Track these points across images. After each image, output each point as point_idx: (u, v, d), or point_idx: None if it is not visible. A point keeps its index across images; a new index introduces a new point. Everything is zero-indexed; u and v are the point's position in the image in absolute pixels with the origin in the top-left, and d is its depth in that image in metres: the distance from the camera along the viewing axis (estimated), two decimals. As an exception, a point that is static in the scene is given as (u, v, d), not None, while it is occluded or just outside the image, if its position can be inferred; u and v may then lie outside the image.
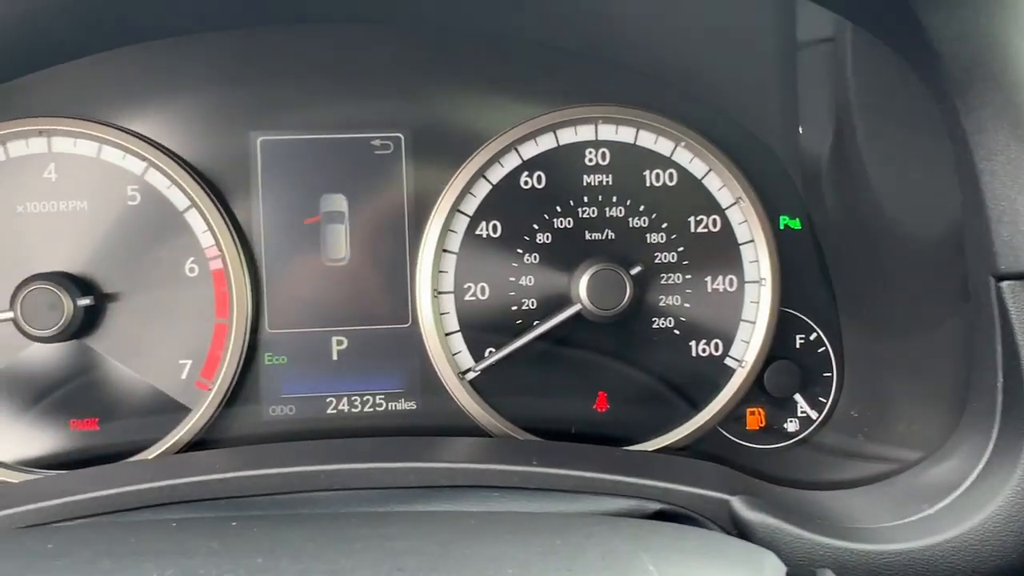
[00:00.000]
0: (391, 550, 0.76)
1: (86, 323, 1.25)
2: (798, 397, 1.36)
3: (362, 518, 0.94)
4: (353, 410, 1.33)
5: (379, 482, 1.02)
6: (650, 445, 1.32)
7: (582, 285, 1.27)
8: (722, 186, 1.33)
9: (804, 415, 1.37)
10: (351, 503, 1.02)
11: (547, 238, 1.32)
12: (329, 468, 1.02)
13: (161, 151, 1.26)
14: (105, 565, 0.72)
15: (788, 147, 1.35)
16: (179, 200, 1.28)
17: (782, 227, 1.35)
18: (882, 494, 1.05)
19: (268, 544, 0.77)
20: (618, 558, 0.76)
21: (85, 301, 1.24)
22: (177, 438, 1.27)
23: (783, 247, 1.33)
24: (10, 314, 1.22)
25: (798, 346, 1.37)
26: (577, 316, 1.28)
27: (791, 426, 1.37)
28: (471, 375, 1.31)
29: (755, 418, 1.37)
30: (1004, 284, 0.89)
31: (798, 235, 1.36)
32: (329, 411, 1.33)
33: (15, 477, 1.25)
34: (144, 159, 1.27)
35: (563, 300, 1.31)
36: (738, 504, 0.98)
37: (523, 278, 1.32)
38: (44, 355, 1.27)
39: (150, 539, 0.81)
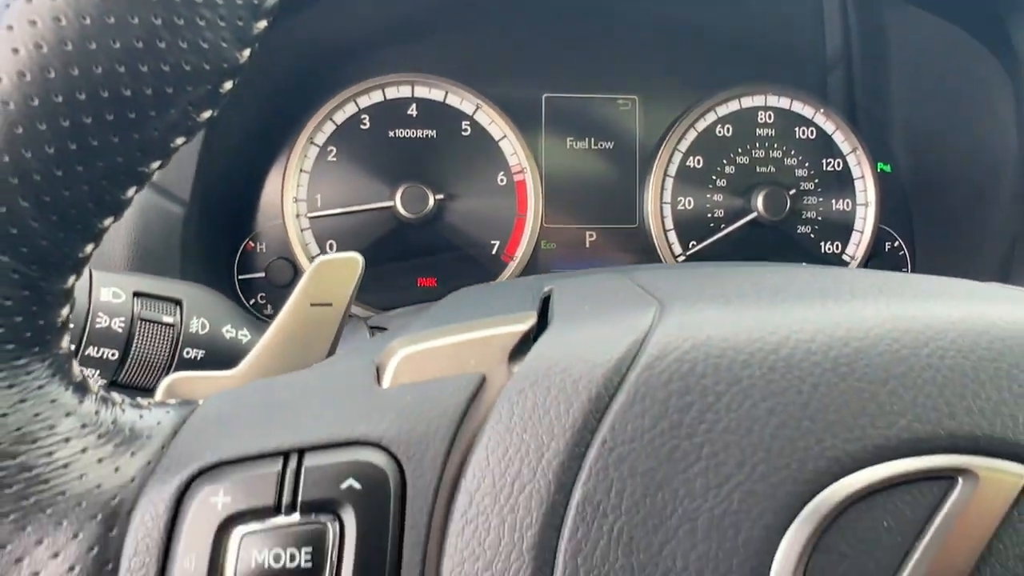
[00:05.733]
0: None
1: (436, 213, 1.86)
2: (887, 283, 2.04)
3: None
4: (598, 282, 1.96)
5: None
6: (794, 310, 1.98)
7: (759, 200, 1.92)
8: (844, 140, 2.00)
9: (889, 296, 2.05)
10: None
11: (732, 169, 1.97)
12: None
13: (486, 99, 1.88)
14: None
15: (884, 112, 2.04)
16: (496, 132, 1.89)
17: (879, 169, 2.03)
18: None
19: None
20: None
21: (439, 196, 1.84)
22: (491, 293, 1.88)
23: (881, 182, 2.01)
24: (391, 203, 1.82)
25: (887, 250, 2.05)
26: (753, 221, 1.93)
27: (880, 303, 2.05)
28: (681, 259, 1.95)
29: (858, 297, 2.04)
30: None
31: (889, 176, 2.04)
32: (582, 282, 1.96)
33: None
34: (474, 104, 1.88)
35: (742, 211, 1.96)
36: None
37: (715, 196, 1.97)
38: (404, 233, 1.86)
39: None
